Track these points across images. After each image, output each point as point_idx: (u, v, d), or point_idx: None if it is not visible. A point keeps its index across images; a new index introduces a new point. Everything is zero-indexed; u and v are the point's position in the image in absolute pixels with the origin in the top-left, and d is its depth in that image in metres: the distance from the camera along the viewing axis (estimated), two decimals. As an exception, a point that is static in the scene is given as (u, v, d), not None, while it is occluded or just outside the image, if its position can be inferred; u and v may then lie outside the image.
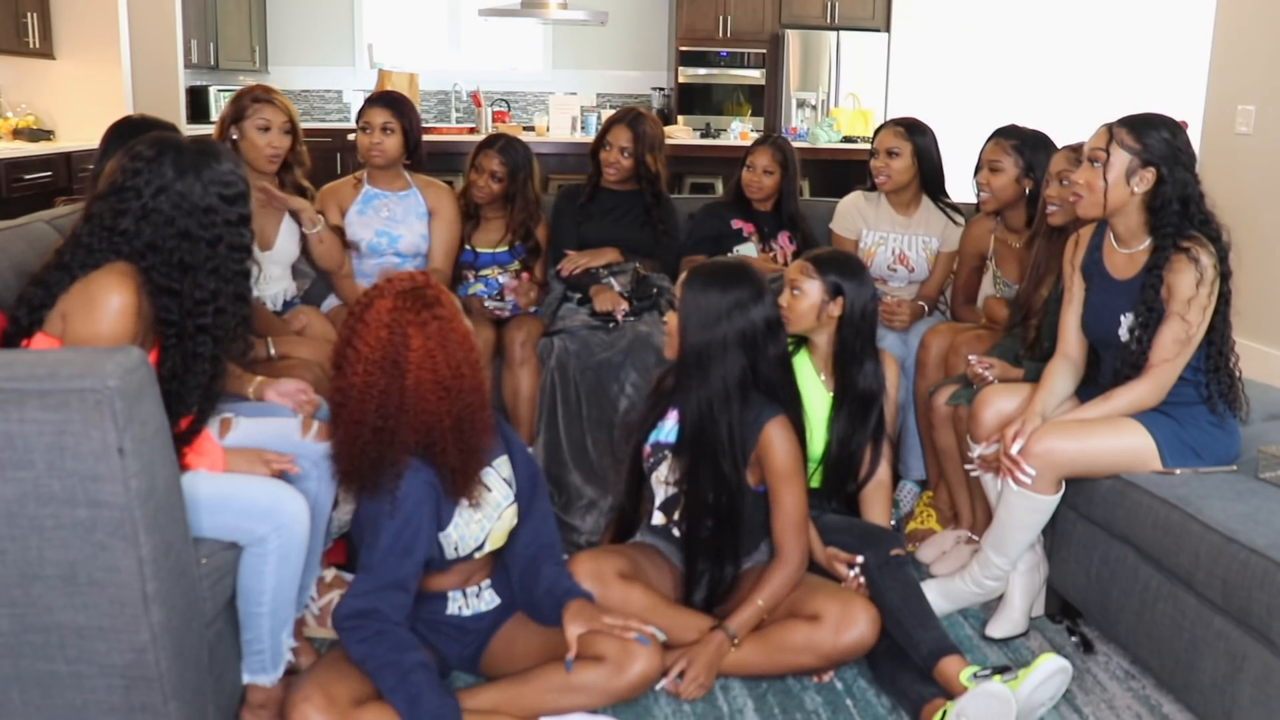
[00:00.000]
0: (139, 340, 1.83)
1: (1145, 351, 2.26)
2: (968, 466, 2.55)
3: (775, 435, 2.20)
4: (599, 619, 2.01)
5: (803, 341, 2.61)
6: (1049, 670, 2.03)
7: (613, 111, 3.55)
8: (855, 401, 2.52)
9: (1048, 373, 2.42)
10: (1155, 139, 2.21)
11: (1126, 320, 2.29)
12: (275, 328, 2.74)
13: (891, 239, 3.31)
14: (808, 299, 2.49)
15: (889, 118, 7.32)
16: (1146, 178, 2.21)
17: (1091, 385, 2.43)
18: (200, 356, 1.88)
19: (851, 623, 2.15)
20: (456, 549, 2.03)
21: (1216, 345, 2.27)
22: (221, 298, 1.89)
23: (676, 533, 2.32)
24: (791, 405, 2.28)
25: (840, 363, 2.53)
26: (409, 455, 1.91)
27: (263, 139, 2.86)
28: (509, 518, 2.11)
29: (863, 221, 3.34)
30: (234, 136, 2.86)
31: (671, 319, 2.28)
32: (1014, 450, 2.27)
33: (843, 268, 2.52)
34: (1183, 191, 2.22)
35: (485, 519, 2.06)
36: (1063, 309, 2.47)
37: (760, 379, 2.23)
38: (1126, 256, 2.32)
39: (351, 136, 3.24)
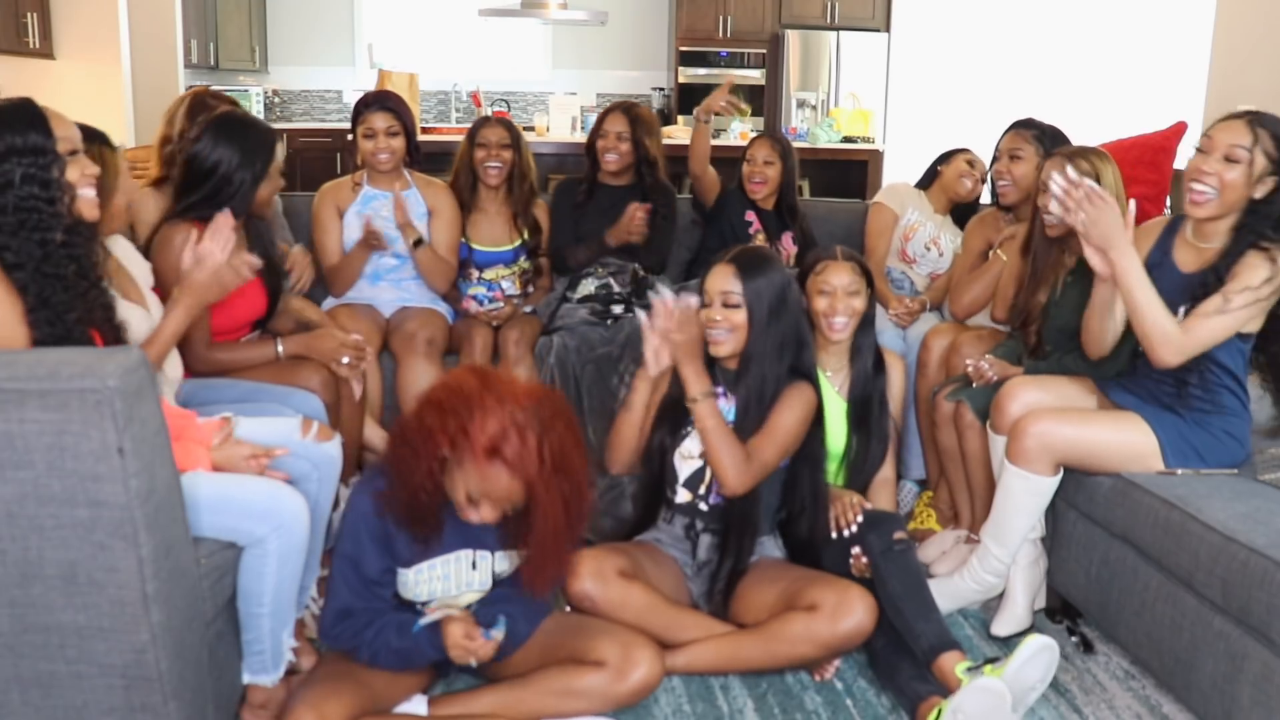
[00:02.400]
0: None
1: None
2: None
3: (791, 395, 2.26)
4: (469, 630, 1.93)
5: None
6: (1033, 649, 1.99)
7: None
8: (870, 398, 2.56)
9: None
10: None
11: (1182, 312, 2.23)
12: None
13: (929, 224, 3.43)
14: (862, 299, 2.52)
15: (889, 118, 7.35)
16: (1268, 184, 2.16)
17: (1124, 374, 2.41)
18: (46, 274, 1.77)
19: (849, 611, 2.14)
20: (400, 592, 2.02)
21: (1276, 358, 2.24)
22: (9, 196, 1.76)
23: (704, 506, 2.32)
24: (813, 380, 2.32)
25: (855, 359, 2.56)
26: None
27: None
28: (469, 599, 2.05)
29: (909, 202, 3.47)
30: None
31: (735, 315, 2.25)
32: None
33: (861, 261, 2.56)
34: None
35: (443, 589, 2.01)
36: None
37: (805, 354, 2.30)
38: (1197, 251, 2.27)
39: (351, 137, 3.23)
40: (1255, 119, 2.17)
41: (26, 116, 1.80)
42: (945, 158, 3.47)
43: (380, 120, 3.13)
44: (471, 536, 2.00)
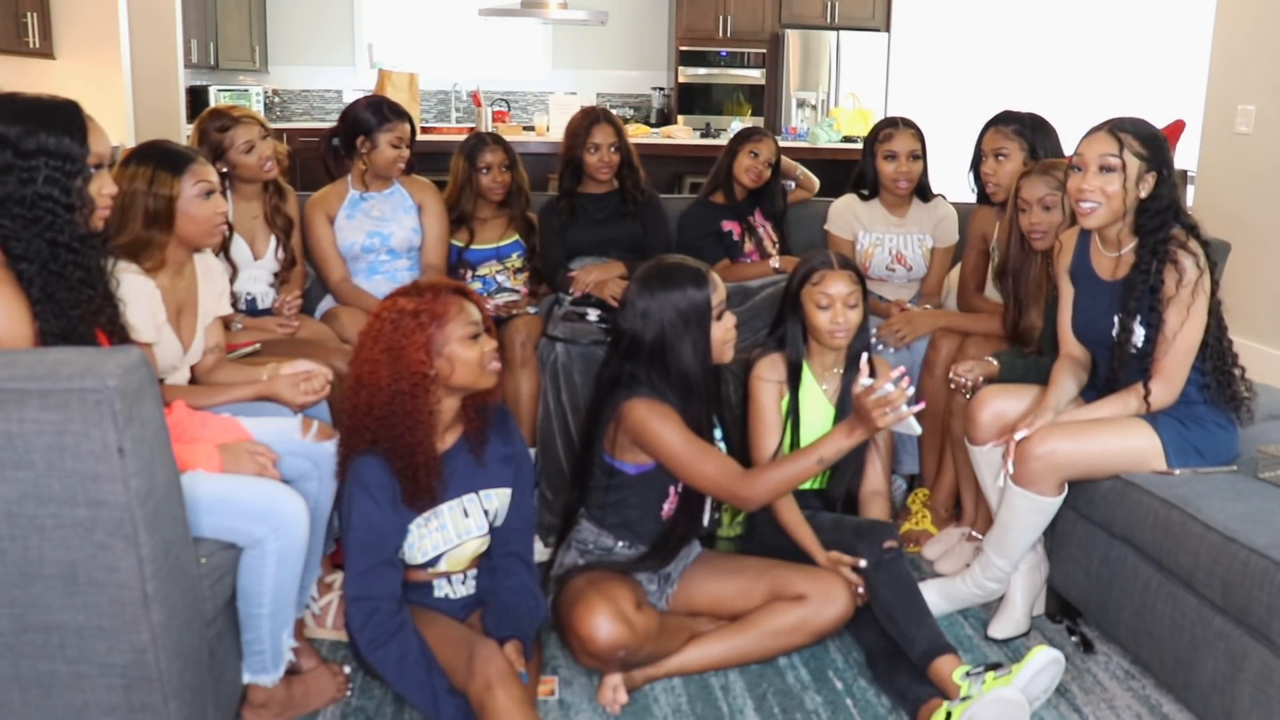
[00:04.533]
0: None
1: (1137, 353, 2.27)
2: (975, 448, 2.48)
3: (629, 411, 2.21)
4: (518, 663, 2.00)
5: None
6: (1042, 662, 2.03)
7: (580, 118, 3.43)
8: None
9: (1055, 372, 2.42)
10: (1155, 144, 2.23)
11: (1118, 321, 2.30)
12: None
13: (888, 239, 3.30)
14: (859, 310, 2.48)
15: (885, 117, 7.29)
16: (1149, 182, 2.22)
17: (1111, 383, 2.42)
18: (52, 271, 1.77)
19: (833, 598, 2.25)
20: (404, 554, 2.06)
21: (1212, 346, 2.27)
22: (28, 191, 1.74)
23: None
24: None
25: (849, 366, 2.53)
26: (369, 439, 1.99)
27: (253, 157, 2.91)
28: (473, 547, 2.13)
29: (858, 223, 3.32)
30: (222, 170, 2.83)
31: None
32: (1017, 437, 2.28)
33: (856, 268, 2.53)
34: (1172, 193, 2.24)
35: (444, 540, 2.09)
36: (1058, 313, 2.47)
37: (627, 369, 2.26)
38: (1113, 259, 2.33)
39: (361, 139, 3.21)
40: (1116, 125, 2.24)
41: (67, 120, 1.78)
42: (871, 153, 3.28)
43: (406, 131, 3.19)
44: (457, 485, 2.08)
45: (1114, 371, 2.32)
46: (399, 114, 3.18)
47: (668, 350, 2.20)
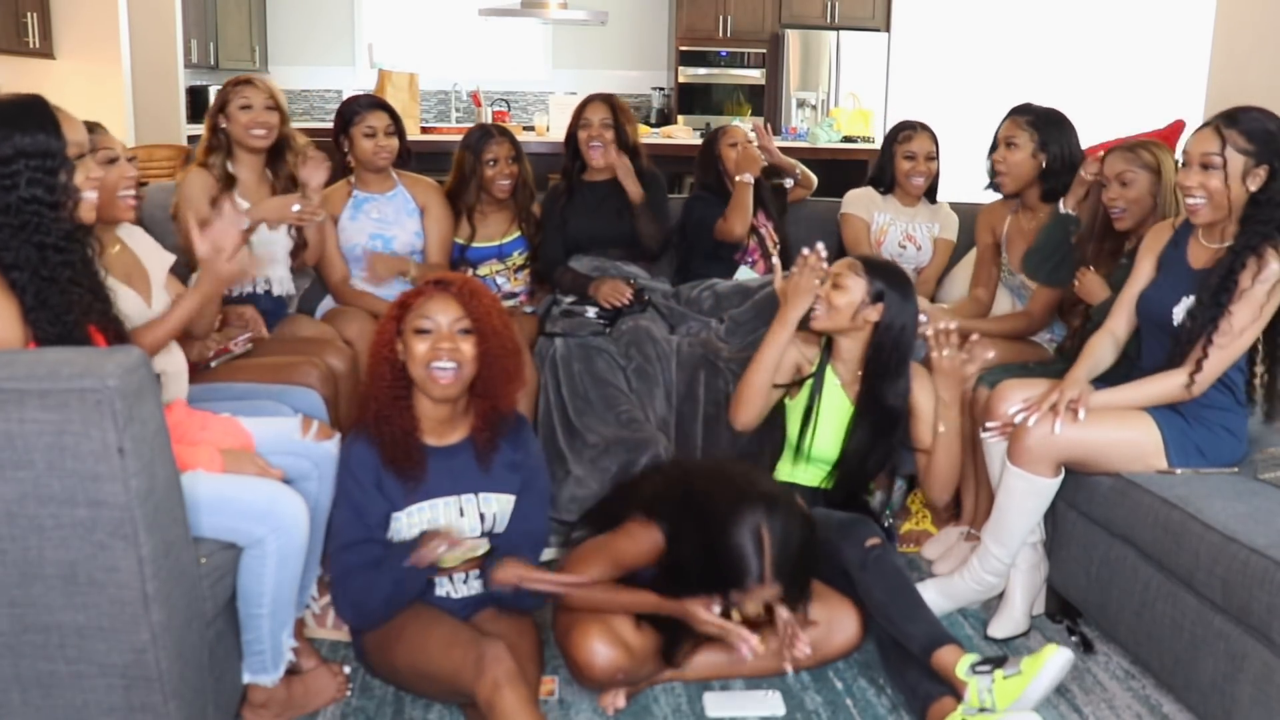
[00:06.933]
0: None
1: (1193, 338, 2.23)
2: (985, 434, 2.45)
3: None
4: (529, 570, 2.03)
5: (828, 345, 2.56)
6: (1056, 667, 2.00)
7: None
8: (879, 416, 2.48)
9: (1092, 343, 2.40)
10: (1263, 134, 2.17)
11: (1185, 303, 2.26)
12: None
13: (900, 222, 3.46)
14: (848, 295, 2.45)
15: (889, 118, 7.35)
16: (1259, 175, 2.17)
17: (1119, 372, 2.41)
18: (43, 276, 1.75)
19: (841, 625, 2.25)
20: (393, 539, 2.08)
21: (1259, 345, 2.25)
22: (12, 197, 1.73)
23: None
24: None
25: (869, 374, 2.48)
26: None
27: (246, 116, 2.90)
28: (466, 549, 2.10)
29: (874, 207, 3.48)
30: (222, 125, 2.91)
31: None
32: (1062, 408, 2.25)
33: (890, 277, 2.48)
34: None
35: (432, 525, 2.09)
36: (1125, 286, 2.43)
37: None
38: (1212, 250, 2.28)
39: (343, 139, 3.21)
40: (1224, 121, 2.20)
41: (37, 117, 1.76)
42: (890, 153, 3.44)
43: (380, 119, 3.15)
44: (456, 483, 2.10)
45: (1170, 354, 2.29)
46: (370, 105, 3.17)
47: None
